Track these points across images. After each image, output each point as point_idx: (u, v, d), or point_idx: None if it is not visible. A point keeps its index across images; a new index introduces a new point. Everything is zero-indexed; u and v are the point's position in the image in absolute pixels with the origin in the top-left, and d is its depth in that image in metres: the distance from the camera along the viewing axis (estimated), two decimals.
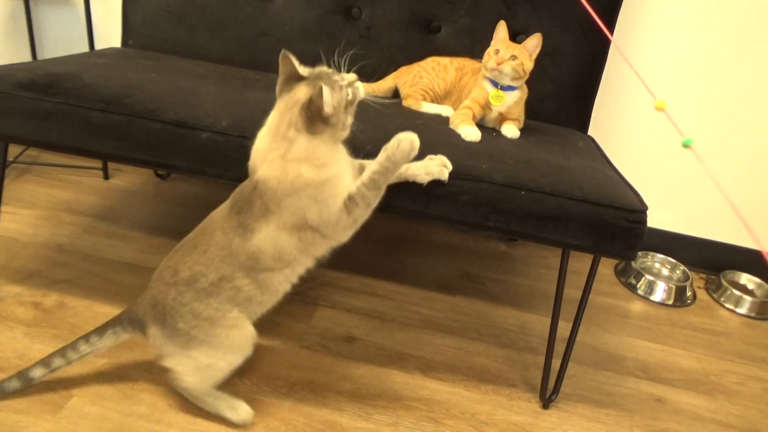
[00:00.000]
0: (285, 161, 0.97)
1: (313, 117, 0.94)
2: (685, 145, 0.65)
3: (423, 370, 1.38)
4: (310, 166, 0.97)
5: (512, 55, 1.35)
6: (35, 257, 1.56)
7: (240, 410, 1.14)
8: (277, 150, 0.97)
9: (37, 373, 1.11)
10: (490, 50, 1.39)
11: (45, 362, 1.11)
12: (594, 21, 1.63)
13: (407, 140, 1.01)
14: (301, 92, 0.96)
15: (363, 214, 1.03)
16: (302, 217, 0.99)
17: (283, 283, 1.08)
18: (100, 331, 1.11)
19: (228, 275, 1.03)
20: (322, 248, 1.06)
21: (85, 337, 1.10)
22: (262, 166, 0.99)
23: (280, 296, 1.10)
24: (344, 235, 1.04)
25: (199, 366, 1.08)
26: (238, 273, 1.03)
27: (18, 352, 1.23)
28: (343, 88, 0.97)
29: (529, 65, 1.37)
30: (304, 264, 1.07)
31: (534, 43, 1.35)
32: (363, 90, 1.03)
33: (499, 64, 1.36)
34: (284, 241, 1.01)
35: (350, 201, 1.01)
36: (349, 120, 1.01)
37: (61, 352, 1.10)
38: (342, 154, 1.04)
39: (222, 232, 1.03)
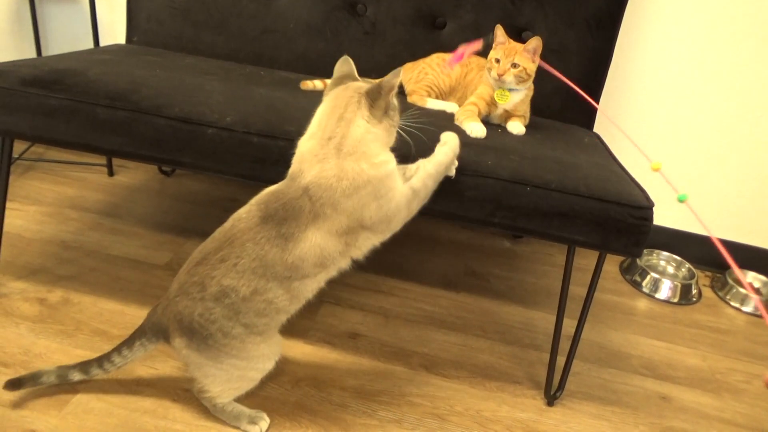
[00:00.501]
0: (341, 158, 0.95)
1: (381, 98, 0.96)
2: (681, 200, 0.67)
3: (427, 366, 1.38)
4: (368, 164, 0.96)
5: (513, 63, 1.34)
6: (40, 253, 1.56)
7: (261, 423, 1.13)
8: (328, 147, 0.96)
9: (76, 376, 1.11)
10: (491, 57, 1.38)
11: (84, 369, 1.11)
12: (601, 17, 1.62)
13: (456, 139, 1.09)
14: (359, 84, 0.99)
15: (419, 206, 1.04)
16: (359, 217, 0.97)
17: (314, 289, 1.04)
18: (129, 343, 1.08)
19: (261, 288, 0.98)
20: (364, 249, 1.04)
21: (117, 350, 1.09)
22: (314, 168, 0.96)
23: (305, 302, 1.07)
24: (396, 229, 1.03)
25: (230, 377, 1.06)
26: (272, 284, 0.98)
27: (23, 347, 1.23)
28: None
29: (532, 67, 1.36)
30: (339, 267, 1.04)
31: (534, 45, 1.33)
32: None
33: (500, 75, 1.35)
34: (331, 247, 0.98)
35: (414, 193, 1.02)
36: (396, 121, 1.03)
37: (99, 361, 1.10)
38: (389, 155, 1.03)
39: (254, 243, 0.96)
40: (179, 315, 1.01)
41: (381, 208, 0.98)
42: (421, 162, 1.07)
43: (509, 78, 1.35)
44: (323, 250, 0.98)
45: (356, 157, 0.96)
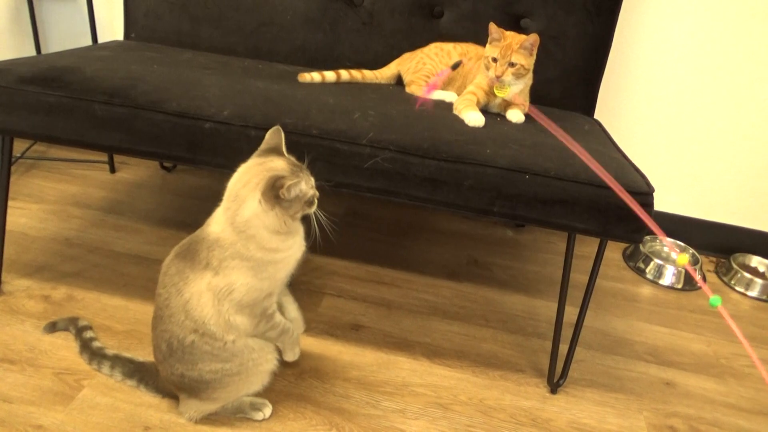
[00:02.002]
0: (234, 231, 0.97)
1: (276, 190, 0.93)
2: (713, 305, 0.68)
3: (430, 356, 1.39)
4: (256, 246, 0.97)
5: (510, 63, 1.34)
6: (44, 251, 1.57)
7: (264, 409, 1.15)
8: (226, 215, 0.98)
9: (88, 355, 1.21)
10: (487, 54, 1.37)
11: (100, 357, 1.20)
12: (600, 3, 1.61)
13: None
14: (280, 164, 0.97)
15: (260, 331, 1.04)
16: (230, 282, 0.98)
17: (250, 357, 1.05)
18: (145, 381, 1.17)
19: (183, 336, 1.00)
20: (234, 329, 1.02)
21: (134, 378, 1.17)
22: (218, 224, 0.99)
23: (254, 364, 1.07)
24: (231, 333, 1.00)
25: (227, 398, 1.10)
26: (190, 335, 1.00)
27: (29, 344, 1.24)
28: (312, 189, 0.99)
29: (530, 62, 1.35)
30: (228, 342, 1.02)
31: (531, 41, 1.32)
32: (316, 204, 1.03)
33: (498, 77, 1.35)
34: (207, 302, 0.98)
35: (267, 318, 1.04)
36: (297, 216, 1.00)
37: (112, 364, 1.19)
38: (294, 244, 1.03)
39: (162, 286, 1.01)
40: (165, 378, 1.08)
41: (253, 287, 0.99)
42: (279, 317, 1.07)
43: (507, 78, 1.35)
44: (201, 301, 0.98)
45: (246, 236, 0.96)
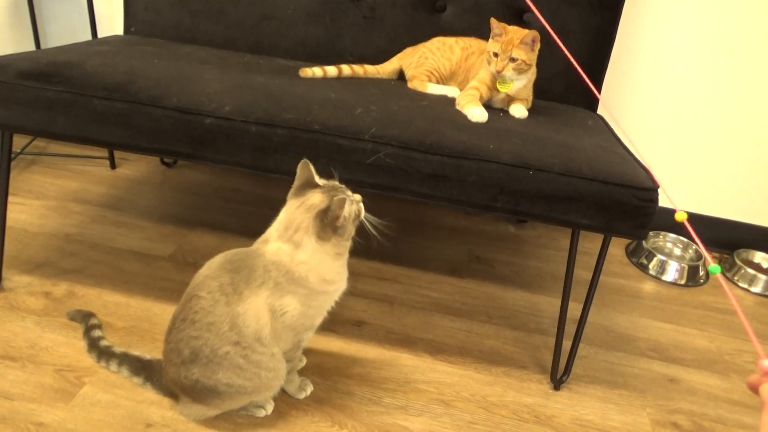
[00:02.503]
0: (292, 259, 1.00)
1: (327, 224, 0.98)
2: (712, 273, 0.68)
3: (432, 353, 1.38)
4: (316, 279, 1.01)
5: (511, 57, 1.33)
6: (44, 247, 1.56)
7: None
8: (287, 242, 1.01)
9: (95, 351, 1.21)
10: (489, 50, 1.36)
11: (106, 353, 1.20)
12: None
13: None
14: (317, 198, 1.00)
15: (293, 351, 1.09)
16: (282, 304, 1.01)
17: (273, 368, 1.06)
18: (150, 379, 1.16)
19: (218, 346, 0.99)
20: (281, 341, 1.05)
21: (141, 376, 1.16)
22: (276, 244, 1.02)
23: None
24: (276, 347, 1.03)
25: (232, 408, 1.10)
26: (226, 346, 0.99)
27: (30, 341, 1.24)
28: (353, 203, 1.02)
29: (531, 57, 1.34)
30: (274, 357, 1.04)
31: (531, 37, 1.31)
32: (364, 210, 1.06)
33: (499, 71, 1.35)
34: (266, 318, 1.00)
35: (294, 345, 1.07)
36: (353, 232, 1.05)
37: (119, 362, 1.18)
38: (344, 277, 1.09)
39: (207, 291, 1.00)
40: (172, 380, 1.07)
41: (302, 314, 1.02)
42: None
43: (508, 73, 1.35)
44: (260, 318, 0.99)
45: (307, 268, 1.00)
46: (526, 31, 1.32)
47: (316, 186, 1.03)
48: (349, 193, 1.03)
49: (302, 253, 1.00)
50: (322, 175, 1.07)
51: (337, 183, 1.05)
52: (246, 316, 0.98)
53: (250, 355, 0.99)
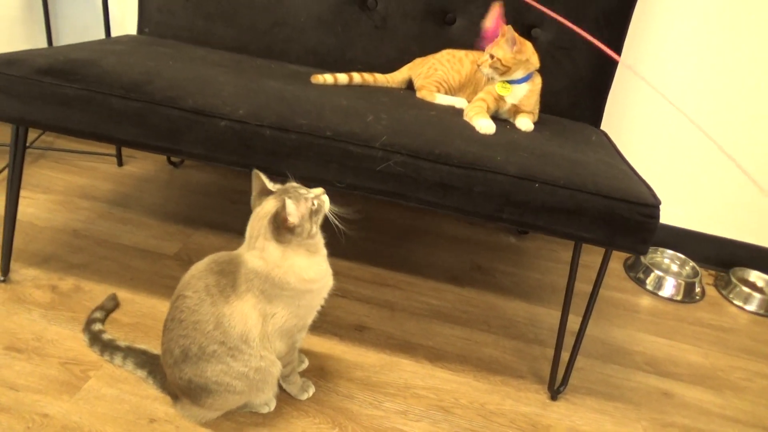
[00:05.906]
0: (267, 264, 1.01)
1: (280, 227, 1.00)
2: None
3: (432, 359, 1.40)
4: (295, 277, 1.02)
5: (490, 54, 1.39)
6: (52, 241, 1.58)
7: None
8: (255, 250, 1.03)
9: (98, 346, 1.23)
10: (486, 51, 1.44)
11: (110, 347, 1.22)
12: (611, 13, 1.63)
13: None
14: (270, 204, 1.02)
15: (290, 351, 1.11)
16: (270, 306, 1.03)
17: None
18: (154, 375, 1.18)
19: (206, 346, 1.01)
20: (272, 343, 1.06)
21: (146, 370, 1.18)
22: (248, 255, 1.03)
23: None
24: (265, 350, 1.04)
25: (228, 409, 1.11)
26: (213, 345, 1.01)
27: (36, 333, 1.25)
28: (308, 200, 1.02)
29: (508, 56, 1.37)
30: (263, 359, 1.05)
31: (510, 35, 1.36)
32: (328, 203, 1.07)
33: (479, 65, 1.42)
34: (254, 320, 1.02)
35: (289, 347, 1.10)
36: (315, 229, 1.05)
37: (125, 356, 1.20)
38: (327, 273, 1.11)
39: (194, 290, 1.02)
40: (171, 382, 1.09)
41: (293, 314, 1.05)
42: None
43: (485, 69, 1.41)
44: (247, 320, 1.01)
45: (282, 270, 1.02)
46: (514, 33, 1.36)
47: (270, 192, 1.05)
48: (304, 190, 1.04)
49: (271, 258, 1.01)
50: (287, 177, 1.09)
51: (291, 184, 1.06)
52: (232, 318, 1.00)
53: (237, 355, 1.01)
